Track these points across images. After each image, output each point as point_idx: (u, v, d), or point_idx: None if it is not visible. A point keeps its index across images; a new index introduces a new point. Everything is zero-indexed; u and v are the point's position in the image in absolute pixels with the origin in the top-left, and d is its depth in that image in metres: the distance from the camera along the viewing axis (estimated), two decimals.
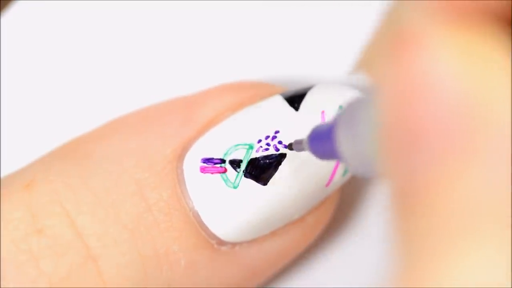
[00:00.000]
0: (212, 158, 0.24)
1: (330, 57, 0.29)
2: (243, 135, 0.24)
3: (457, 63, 0.13)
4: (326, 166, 0.24)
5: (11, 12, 0.31)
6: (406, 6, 0.14)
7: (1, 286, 0.22)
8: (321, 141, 0.19)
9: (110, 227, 0.23)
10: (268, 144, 0.24)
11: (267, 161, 0.24)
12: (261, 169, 0.24)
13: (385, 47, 0.14)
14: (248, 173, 0.24)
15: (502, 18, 0.13)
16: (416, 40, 0.13)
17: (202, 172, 0.24)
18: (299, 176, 0.24)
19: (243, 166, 0.24)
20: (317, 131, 0.20)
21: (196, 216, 0.24)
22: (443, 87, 0.13)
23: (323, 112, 0.24)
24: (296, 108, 0.25)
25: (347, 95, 0.25)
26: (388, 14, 0.14)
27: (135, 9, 0.30)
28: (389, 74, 0.14)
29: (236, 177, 0.24)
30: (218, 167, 0.24)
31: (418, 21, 0.13)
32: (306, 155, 0.24)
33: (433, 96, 0.13)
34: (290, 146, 0.24)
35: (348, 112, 0.17)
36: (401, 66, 0.13)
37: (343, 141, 0.17)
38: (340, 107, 0.24)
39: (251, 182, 0.24)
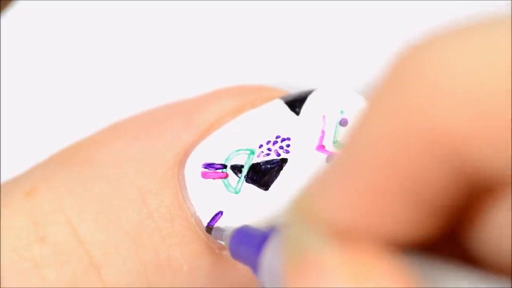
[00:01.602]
0: (213, 163, 0.24)
1: (330, 61, 0.29)
2: (244, 140, 0.24)
3: (346, 286, 0.14)
4: None
5: (11, 12, 0.31)
6: (307, 230, 0.15)
7: None
8: (245, 246, 0.19)
9: (112, 234, 0.23)
10: (269, 149, 0.24)
11: (269, 166, 0.24)
12: (263, 174, 0.24)
13: (286, 271, 0.15)
14: (250, 178, 0.24)
15: (392, 240, 0.15)
16: (314, 267, 0.15)
17: (203, 177, 0.24)
18: (300, 180, 0.24)
19: (245, 171, 0.24)
20: (245, 233, 0.20)
21: (198, 222, 0.24)
22: None
23: (324, 116, 0.24)
24: (297, 113, 0.25)
25: (348, 100, 0.25)
26: (291, 235, 0.16)
27: (137, 12, 0.30)
28: None
29: (238, 182, 0.24)
30: (219, 173, 0.24)
31: (317, 247, 0.15)
32: (307, 161, 0.24)
33: None
34: (208, 229, 0.24)
35: (277, 237, 0.17)
36: None
37: (267, 261, 0.17)
38: (341, 111, 0.24)
39: (252, 187, 0.24)
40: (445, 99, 0.13)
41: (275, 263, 0.16)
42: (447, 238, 0.15)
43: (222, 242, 0.22)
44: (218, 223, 0.24)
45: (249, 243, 0.19)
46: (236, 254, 0.20)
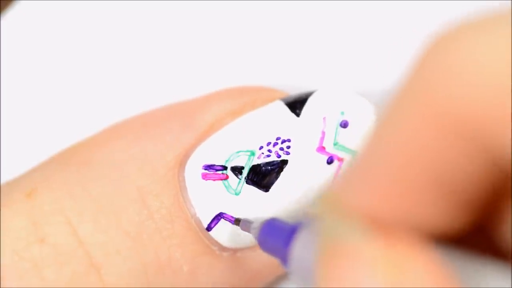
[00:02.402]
0: (214, 165, 0.24)
1: (331, 63, 0.29)
2: (245, 141, 0.24)
3: (381, 277, 0.14)
4: (327, 171, 0.24)
5: (11, 12, 0.31)
6: (341, 221, 0.15)
7: None
8: (274, 237, 0.20)
9: (112, 235, 0.23)
10: (269, 151, 0.24)
11: (269, 167, 0.24)
12: (263, 176, 0.24)
13: (322, 261, 0.15)
14: (250, 180, 0.24)
15: (424, 232, 0.15)
16: (350, 256, 0.15)
17: (203, 179, 0.24)
18: (300, 182, 0.24)
19: (245, 172, 0.24)
20: (274, 225, 0.20)
21: (198, 223, 0.24)
22: None
23: (324, 118, 0.24)
24: (298, 114, 0.24)
25: (349, 101, 0.25)
26: (325, 226, 0.16)
27: (137, 13, 0.30)
28: (323, 283, 0.15)
29: (238, 183, 0.24)
30: (220, 174, 0.24)
31: (351, 238, 0.15)
32: (308, 162, 0.24)
33: None
34: (237, 222, 0.24)
35: (308, 229, 0.17)
36: (334, 279, 0.15)
37: (298, 252, 0.17)
38: (342, 113, 0.24)
39: (253, 189, 0.24)
40: (473, 83, 0.13)
41: (306, 253, 0.17)
42: (477, 231, 0.15)
43: (251, 234, 0.22)
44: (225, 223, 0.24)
45: (278, 235, 0.19)
46: (264, 245, 0.20)
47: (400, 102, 0.14)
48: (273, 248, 0.20)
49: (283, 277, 0.28)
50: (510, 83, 0.13)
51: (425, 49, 0.14)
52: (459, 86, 0.13)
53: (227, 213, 0.24)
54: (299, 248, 0.17)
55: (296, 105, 0.25)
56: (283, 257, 0.18)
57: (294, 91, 0.26)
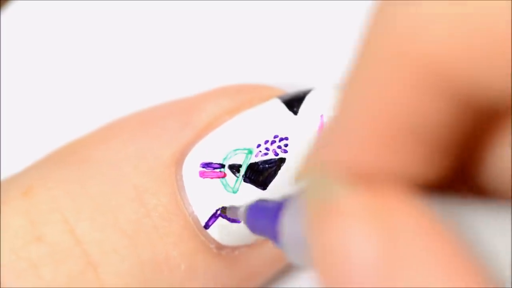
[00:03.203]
0: (211, 163, 0.24)
1: (328, 60, 0.29)
2: (242, 139, 0.24)
3: (371, 231, 0.14)
4: None
5: (10, 12, 0.31)
6: (324, 179, 0.15)
7: None
8: (262, 217, 0.19)
9: (110, 234, 0.23)
10: (267, 149, 0.24)
11: (267, 165, 0.24)
12: (261, 174, 0.24)
13: (310, 218, 0.15)
14: (248, 178, 0.24)
15: (408, 181, 0.15)
16: (339, 211, 0.15)
17: (201, 177, 0.24)
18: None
19: (243, 170, 0.24)
20: (260, 206, 0.20)
21: (196, 221, 0.24)
22: (360, 255, 0.14)
23: (322, 116, 0.24)
24: (295, 112, 0.24)
25: None
26: (309, 187, 0.16)
27: (135, 11, 0.30)
28: (315, 245, 0.15)
29: (236, 182, 0.24)
30: (217, 172, 0.24)
31: (336, 194, 0.15)
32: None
33: (351, 263, 0.14)
34: (224, 210, 0.24)
35: (293, 202, 0.17)
36: (325, 238, 0.15)
37: (287, 227, 0.17)
38: None
39: (250, 187, 0.24)
40: (436, 23, 0.13)
41: (296, 225, 0.16)
42: (458, 174, 0.15)
43: (239, 220, 0.22)
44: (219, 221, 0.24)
45: (265, 214, 0.19)
46: (254, 227, 0.20)
47: (365, 55, 0.14)
48: (262, 228, 0.19)
49: (282, 276, 0.28)
50: (465, 19, 0.13)
51: (378, 7, 0.14)
52: (416, 25, 0.13)
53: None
54: (288, 221, 0.17)
55: (293, 103, 0.25)
56: (274, 235, 0.18)
57: (292, 89, 0.26)
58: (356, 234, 0.14)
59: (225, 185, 0.24)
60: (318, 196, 0.15)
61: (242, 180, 0.24)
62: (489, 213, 0.14)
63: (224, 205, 0.24)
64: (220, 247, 0.24)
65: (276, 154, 0.24)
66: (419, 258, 0.14)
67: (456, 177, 0.15)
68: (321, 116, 0.24)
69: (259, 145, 0.24)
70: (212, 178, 0.24)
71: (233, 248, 0.25)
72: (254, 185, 0.24)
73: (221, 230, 0.24)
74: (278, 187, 0.24)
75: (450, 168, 0.15)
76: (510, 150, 0.14)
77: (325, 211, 0.15)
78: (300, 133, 0.24)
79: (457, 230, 0.14)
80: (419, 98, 0.14)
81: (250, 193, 0.24)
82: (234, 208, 0.23)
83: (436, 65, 0.13)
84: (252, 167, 0.24)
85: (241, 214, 0.22)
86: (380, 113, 0.14)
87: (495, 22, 0.13)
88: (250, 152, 0.24)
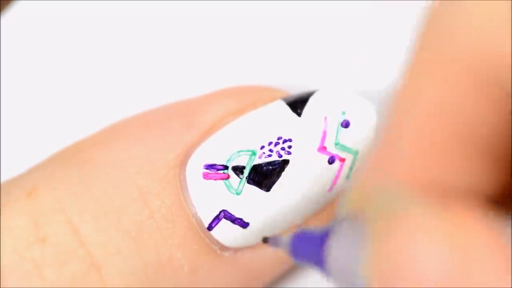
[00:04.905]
0: (215, 164, 0.24)
1: (332, 62, 0.29)
2: (246, 141, 0.24)
3: (442, 246, 0.13)
4: (328, 171, 0.24)
5: (11, 12, 0.31)
6: (393, 189, 0.14)
7: None
8: (307, 245, 0.19)
9: (113, 235, 0.23)
10: (271, 151, 0.24)
11: (270, 167, 0.24)
12: (264, 176, 0.24)
13: (376, 231, 0.14)
14: (251, 180, 0.24)
15: (487, 198, 0.14)
16: (407, 226, 0.14)
17: (205, 178, 0.24)
18: (302, 181, 0.24)
19: (246, 172, 0.24)
20: (304, 234, 0.20)
21: (199, 223, 0.24)
22: (429, 270, 0.13)
23: (325, 118, 0.24)
24: (299, 114, 0.24)
25: (350, 101, 0.25)
26: (379, 195, 0.15)
27: (137, 12, 0.30)
28: (379, 254, 0.14)
29: (239, 183, 0.24)
30: (221, 174, 0.24)
31: (407, 207, 0.14)
32: (309, 162, 0.24)
33: (416, 274, 0.13)
34: (265, 240, 0.23)
35: (342, 228, 0.17)
36: (392, 248, 0.14)
37: (333, 252, 0.17)
38: (343, 113, 0.24)
39: (254, 189, 0.24)
40: (497, 25, 0.13)
41: (345, 251, 0.16)
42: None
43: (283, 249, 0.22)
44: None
45: (310, 242, 0.19)
46: (298, 256, 0.20)
47: (421, 61, 0.14)
48: (307, 256, 0.19)
49: (283, 277, 0.28)
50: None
51: (431, 10, 0.14)
52: (476, 34, 0.13)
53: (228, 212, 0.24)
54: (335, 246, 0.17)
55: (297, 104, 0.25)
56: (320, 262, 0.18)
57: (295, 91, 0.26)
58: (427, 252, 0.13)
59: (229, 187, 0.24)
60: (387, 210, 0.14)
61: (246, 182, 0.24)
62: None
63: (226, 208, 0.24)
64: (223, 248, 0.24)
65: (280, 156, 0.24)
66: (491, 282, 0.13)
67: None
68: (325, 118, 0.24)
69: (262, 147, 0.24)
70: (215, 179, 0.24)
71: (237, 250, 0.25)
72: (257, 186, 0.24)
73: (224, 231, 0.24)
74: (281, 189, 0.24)
75: (508, 181, 0.14)
76: None
77: (395, 222, 0.14)
78: (304, 135, 0.24)
79: None
80: (482, 107, 0.13)
81: (253, 195, 0.24)
82: (275, 238, 0.23)
83: (500, 72, 0.13)
84: (256, 169, 0.24)
85: (283, 244, 0.21)
86: (443, 124, 0.13)
87: None
88: (254, 153, 0.24)
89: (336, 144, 0.24)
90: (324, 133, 0.24)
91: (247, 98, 0.26)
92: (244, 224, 0.24)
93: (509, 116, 0.13)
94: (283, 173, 0.24)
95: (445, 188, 0.14)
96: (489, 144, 0.14)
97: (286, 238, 0.21)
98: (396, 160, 0.14)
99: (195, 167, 0.24)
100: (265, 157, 0.24)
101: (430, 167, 0.14)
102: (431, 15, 0.14)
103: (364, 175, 0.15)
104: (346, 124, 0.24)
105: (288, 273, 0.28)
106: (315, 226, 0.20)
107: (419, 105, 0.14)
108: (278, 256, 0.25)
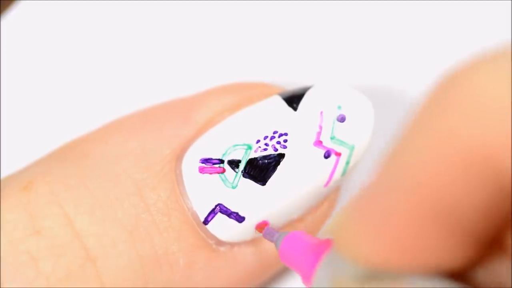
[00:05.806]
0: (211, 159, 0.24)
1: (328, 57, 0.29)
2: (242, 135, 0.24)
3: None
4: (324, 166, 0.24)
5: (11, 12, 0.31)
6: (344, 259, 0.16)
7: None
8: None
9: (109, 228, 0.23)
10: (266, 144, 0.24)
11: (266, 161, 0.24)
12: (260, 169, 0.24)
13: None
14: (247, 173, 0.24)
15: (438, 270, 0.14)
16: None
17: (200, 172, 0.24)
18: (297, 176, 0.24)
19: (242, 166, 0.24)
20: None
21: (195, 217, 0.24)
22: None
23: (321, 112, 0.24)
24: (295, 108, 0.25)
25: (345, 96, 0.25)
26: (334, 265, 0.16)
27: (135, 10, 0.30)
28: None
29: (235, 177, 0.24)
30: (216, 168, 0.24)
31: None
32: (305, 156, 0.24)
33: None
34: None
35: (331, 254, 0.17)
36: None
37: (320, 274, 0.17)
38: (339, 107, 0.24)
39: (250, 182, 0.24)
40: (487, 117, 0.13)
41: (325, 280, 0.17)
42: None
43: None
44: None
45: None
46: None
47: (415, 133, 0.14)
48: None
49: (281, 275, 0.28)
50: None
51: (436, 86, 0.14)
52: (471, 120, 0.13)
53: (224, 206, 0.24)
54: (322, 272, 0.17)
55: (293, 99, 0.25)
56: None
57: (291, 87, 0.26)
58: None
59: (224, 181, 0.24)
60: (335, 275, 0.15)
61: (241, 176, 0.24)
62: None
63: (222, 202, 0.24)
64: (219, 243, 0.24)
65: (276, 150, 0.24)
66: None
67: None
68: (321, 112, 0.24)
69: (258, 141, 0.24)
70: (211, 173, 0.24)
71: (233, 244, 0.25)
72: (253, 180, 0.24)
73: (220, 225, 0.24)
74: (277, 183, 0.24)
75: (471, 258, 0.15)
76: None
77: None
78: (300, 129, 0.24)
79: None
80: (465, 188, 0.13)
81: (249, 189, 0.24)
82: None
83: (489, 156, 0.13)
84: (252, 163, 0.24)
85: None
86: (421, 197, 0.14)
87: None
88: (250, 147, 0.24)
89: (332, 138, 0.24)
90: (320, 128, 0.24)
91: (243, 94, 0.26)
92: (239, 218, 0.24)
93: (493, 202, 0.13)
94: (278, 167, 0.24)
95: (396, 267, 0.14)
96: (465, 224, 0.14)
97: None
98: (364, 222, 0.15)
99: (191, 161, 0.24)
100: (260, 151, 0.24)
101: (392, 249, 0.14)
102: (436, 87, 0.14)
103: (343, 214, 0.16)
104: (342, 119, 0.24)
105: (288, 273, 0.28)
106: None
107: (404, 172, 0.14)
108: (275, 252, 0.25)
